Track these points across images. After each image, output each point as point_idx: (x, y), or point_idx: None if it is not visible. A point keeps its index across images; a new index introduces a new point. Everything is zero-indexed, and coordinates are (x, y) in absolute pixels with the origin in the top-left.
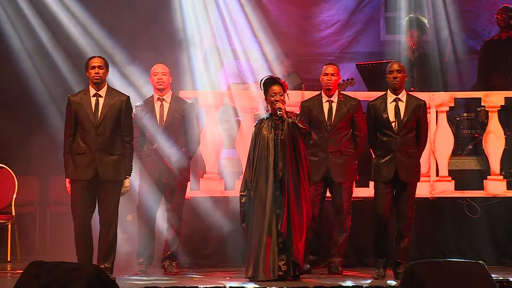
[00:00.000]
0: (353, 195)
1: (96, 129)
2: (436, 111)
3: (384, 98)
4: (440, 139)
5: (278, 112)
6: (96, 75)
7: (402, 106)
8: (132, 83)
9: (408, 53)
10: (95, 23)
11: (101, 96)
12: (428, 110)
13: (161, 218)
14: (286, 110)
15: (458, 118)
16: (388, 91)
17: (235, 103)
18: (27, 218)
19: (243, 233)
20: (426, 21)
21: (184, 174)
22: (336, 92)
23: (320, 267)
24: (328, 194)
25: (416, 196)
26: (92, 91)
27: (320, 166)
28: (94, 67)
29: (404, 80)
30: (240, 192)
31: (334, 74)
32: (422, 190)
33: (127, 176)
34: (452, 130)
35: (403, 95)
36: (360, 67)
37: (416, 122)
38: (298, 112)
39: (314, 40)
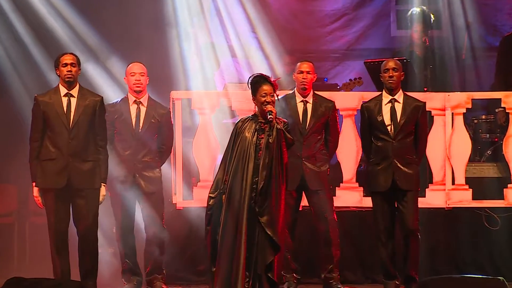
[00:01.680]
0: (361, 205)
1: (69, 132)
2: (452, 113)
3: (378, 99)
4: (456, 144)
5: (269, 116)
6: (69, 73)
7: (398, 107)
8: (119, 82)
9: (416, 50)
10: (78, 17)
11: (73, 96)
12: (442, 112)
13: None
14: (276, 115)
15: (476, 121)
16: (383, 91)
17: (232, 105)
18: (4, 230)
19: (205, 236)
20: (432, 15)
21: (158, 184)
22: (311, 93)
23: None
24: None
25: (430, 206)
26: (63, 90)
27: (294, 173)
28: (66, 65)
29: (400, 79)
30: (209, 193)
31: (310, 72)
32: (437, 199)
33: (102, 184)
34: (469, 134)
35: (399, 96)
36: (369, 65)
37: (415, 125)
38: (286, 120)
39: (318, 36)
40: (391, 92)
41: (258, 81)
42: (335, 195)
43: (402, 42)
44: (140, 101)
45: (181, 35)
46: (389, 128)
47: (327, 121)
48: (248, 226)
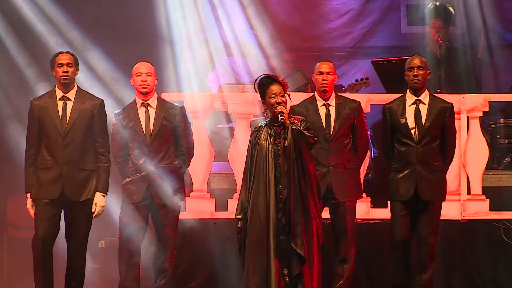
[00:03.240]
0: (368, 217)
1: (63, 139)
2: (467, 117)
3: (402, 100)
4: (472, 150)
5: (280, 117)
6: (65, 74)
7: (424, 109)
8: (106, 84)
9: (433, 48)
10: (64, 15)
11: (69, 99)
12: (457, 115)
13: (146, 248)
14: (289, 114)
15: (493, 125)
16: (407, 91)
17: (227, 108)
18: None
19: (241, 264)
20: (452, 9)
21: (178, 193)
22: (333, 94)
23: None
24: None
25: (443, 218)
26: (59, 93)
27: (320, 182)
28: (62, 65)
29: (426, 79)
30: (236, 215)
31: (331, 73)
32: (451, 211)
33: (103, 194)
34: (486, 140)
35: (425, 97)
36: (377, 64)
37: (441, 129)
38: (302, 117)
39: (321, 32)
40: (416, 92)
41: (265, 83)
42: None
43: (413, 40)
44: (148, 103)
45: (173, 32)
46: (413, 131)
47: (353, 123)
48: (277, 241)
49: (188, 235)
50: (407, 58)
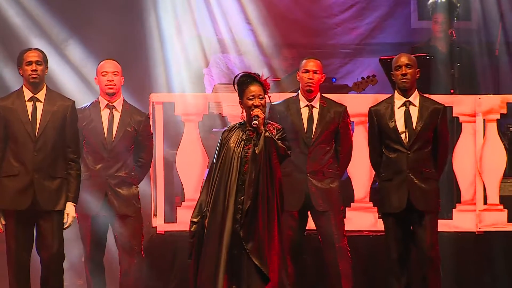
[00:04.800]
0: (375, 228)
1: (34, 144)
2: (484, 120)
3: (389, 101)
4: (489, 156)
5: (253, 122)
6: (34, 72)
7: (414, 111)
8: (89, 83)
9: (437, 45)
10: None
11: (39, 101)
12: (472, 118)
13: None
14: (267, 120)
15: None
16: (395, 92)
17: (222, 110)
18: None
19: (189, 270)
20: (456, 2)
21: (134, 204)
22: (318, 95)
23: None
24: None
25: (458, 230)
26: (28, 94)
27: (297, 190)
28: (30, 63)
29: (415, 78)
30: (191, 217)
31: (317, 72)
32: (466, 222)
33: (74, 204)
34: (504, 145)
35: (415, 97)
36: (385, 62)
37: (433, 133)
38: (280, 126)
39: (324, 28)
40: (405, 93)
41: (244, 82)
42: (345, 217)
43: (424, 35)
44: (113, 105)
45: (162, 27)
46: (403, 136)
47: (336, 128)
48: (230, 255)
49: (180, 248)
50: (419, 56)
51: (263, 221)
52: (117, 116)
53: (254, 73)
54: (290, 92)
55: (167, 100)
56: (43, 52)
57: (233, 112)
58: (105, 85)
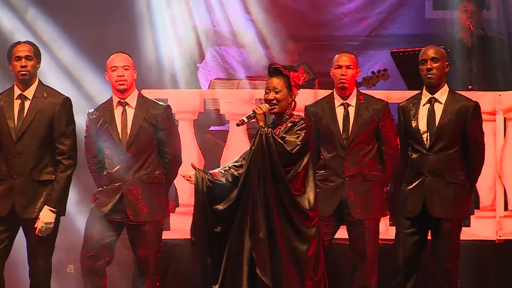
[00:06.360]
0: (387, 237)
1: (15, 145)
2: (504, 118)
3: (417, 97)
4: (510, 158)
5: (247, 117)
6: (23, 69)
7: (439, 109)
8: (77, 80)
9: (463, 37)
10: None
11: (27, 99)
12: (492, 116)
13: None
14: (290, 113)
15: None
16: (423, 88)
17: (220, 107)
18: None
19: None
20: None
21: (159, 208)
22: (354, 92)
23: None
24: (342, 235)
25: (476, 238)
26: (17, 91)
27: (333, 195)
28: (19, 58)
29: (444, 72)
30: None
31: (351, 67)
32: (485, 229)
33: (51, 209)
34: None
35: (442, 94)
36: (397, 55)
37: (461, 133)
38: (301, 117)
39: (331, 18)
40: (431, 89)
41: (269, 74)
42: None
43: (439, 26)
44: (126, 102)
45: (155, 18)
46: (425, 136)
47: (377, 127)
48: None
49: (174, 257)
50: None
51: (262, 229)
52: (130, 112)
53: (281, 65)
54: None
55: (159, 96)
56: (34, 45)
57: (232, 109)
58: (116, 81)
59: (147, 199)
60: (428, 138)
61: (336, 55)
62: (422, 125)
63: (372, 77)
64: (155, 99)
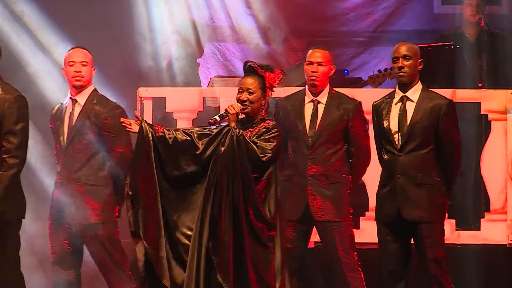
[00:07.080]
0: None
1: None
2: None
3: (391, 97)
4: None
5: (217, 116)
6: None
7: (410, 108)
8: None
9: (468, 32)
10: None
11: None
12: (503, 115)
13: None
14: (266, 117)
15: None
16: (396, 87)
17: (220, 106)
18: None
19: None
20: None
21: (103, 211)
22: (327, 89)
23: None
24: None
25: (486, 243)
26: None
27: (298, 198)
28: None
29: (417, 70)
30: None
31: (323, 63)
32: (496, 233)
33: None
34: None
35: (414, 92)
36: None
37: (435, 132)
38: (273, 125)
39: (336, 13)
40: (404, 87)
41: (244, 72)
42: (358, 228)
43: (448, 22)
44: (75, 99)
45: (152, 12)
46: (396, 136)
47: (346, 127)
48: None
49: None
50: (442, 45)
51: (227, 233)
52: (77, 110)
53: (255, 63)
54: (295, 86)
55: (157, 95)
56: None
57: None
58: (72, 77)
59: (95, 200)
60: (399, 138)
61: (310, 51)
62: (393, 125)
63: (379, 76)
64: (152, 98)
